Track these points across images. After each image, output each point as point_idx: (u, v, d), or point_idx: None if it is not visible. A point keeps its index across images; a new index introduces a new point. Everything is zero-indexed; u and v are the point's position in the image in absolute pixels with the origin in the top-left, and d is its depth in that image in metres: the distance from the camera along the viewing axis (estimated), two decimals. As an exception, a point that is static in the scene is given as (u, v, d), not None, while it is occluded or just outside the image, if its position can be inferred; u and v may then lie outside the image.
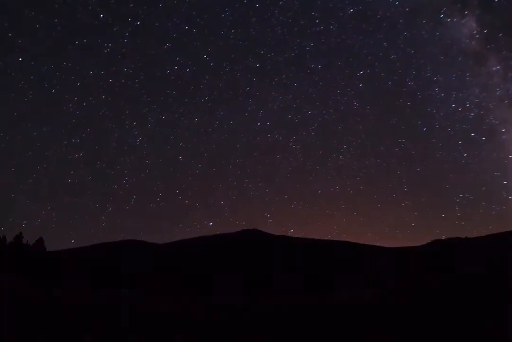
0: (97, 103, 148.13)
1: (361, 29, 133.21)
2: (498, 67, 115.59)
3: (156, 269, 66.81)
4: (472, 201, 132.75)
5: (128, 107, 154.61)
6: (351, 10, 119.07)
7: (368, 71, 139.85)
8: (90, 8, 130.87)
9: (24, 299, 23.86)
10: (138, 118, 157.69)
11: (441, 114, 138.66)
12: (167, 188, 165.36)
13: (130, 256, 77.26)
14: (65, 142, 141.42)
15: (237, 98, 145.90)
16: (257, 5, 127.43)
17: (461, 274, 36.52)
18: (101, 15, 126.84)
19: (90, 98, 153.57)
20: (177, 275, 63.16)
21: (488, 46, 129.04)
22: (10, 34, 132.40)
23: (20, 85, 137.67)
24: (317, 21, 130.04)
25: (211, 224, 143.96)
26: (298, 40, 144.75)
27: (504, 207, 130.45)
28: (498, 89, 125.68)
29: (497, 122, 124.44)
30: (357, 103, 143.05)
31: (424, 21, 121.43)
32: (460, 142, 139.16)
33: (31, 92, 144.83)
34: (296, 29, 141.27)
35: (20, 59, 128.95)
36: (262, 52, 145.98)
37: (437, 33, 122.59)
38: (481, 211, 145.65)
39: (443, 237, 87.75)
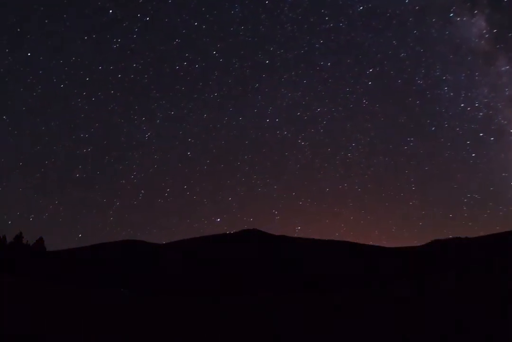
0: (106, 98, 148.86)
1: (371, 27, 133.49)
2: (507, 67, 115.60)
3: (156, 269, 66.80)
4: (480, 201, 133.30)
5: (137, 103, 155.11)
6: (361, 7, 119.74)
7: (378, 69, 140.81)
8: (99, 3, 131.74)
9: (24, 299, 23.86)
10: (147, 114, 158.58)
11: (450, 113, 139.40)
12: (175, 184, 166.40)
13: (130, 256, 77.23)
14: (73, 137, 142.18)
15: (246, 95, 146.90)
16: (266, 2, 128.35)
17: (461, 274, 36.52)
18: (110, 11, 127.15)
19: (99, 94, 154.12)
20: (177, 275, 63.16)
21: (498, 46, 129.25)
22: (18, 30, 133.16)
23: (28, 80, 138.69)
24: (326, 18, 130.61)
25: (218, 220, 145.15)
26: (308, 37, 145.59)
27: (511, 208, 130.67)
28: (507, 89, 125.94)
29: (505, 122, 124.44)
30: (366, 101, 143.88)
31: (433, 20, 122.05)
32: (468, 142, 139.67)
33: (39, 87, 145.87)
34: (305, 26, 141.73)
35: (29, 54, 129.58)
36: (271, 49, 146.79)
37: (447, 32, 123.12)
38: (488, 211, 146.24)
39: (444, 236, 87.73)
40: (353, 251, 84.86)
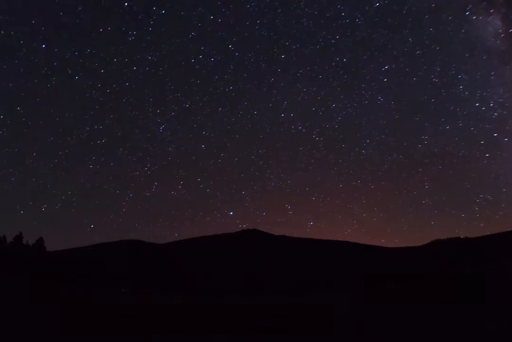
0: (121, 90, 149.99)
1: (387, 24, 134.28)
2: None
3: (156, 269, 66.82)
4: (492, 202, 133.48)
5: (152, 95, 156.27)
6: (377, 4, 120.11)
7: (393, 66, 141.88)
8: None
9: (24, 299, 23.87)
10: (162, 106, 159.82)
11: (465, 112, 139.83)
12: (189, 176, 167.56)
13: (130, 256, 77.26)
14: (88, 128, 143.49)
15: (261, 89, 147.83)
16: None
17: (460, 274, 36.53)
18: (126, 3, 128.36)
19: (114, 85, 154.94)
20: (177, 275, 63.19)
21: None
22: (33, 21, 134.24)
23: (43, 72, 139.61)
24: (343, 14, 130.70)
25: (231, 213, 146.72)
26: (324, 33, 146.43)
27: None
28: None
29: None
30: (381, 98, 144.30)
31: (449, 18, 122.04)
32: (482, 142, 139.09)
33: (54, 78, 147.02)
34: (322, 21, 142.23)
35: (43, 46, 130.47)
36: (287, 43, 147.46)
37: (463, 31, 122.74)
38: (500, 212, 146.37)
39: (446, 236, 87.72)
40: (353, 251, 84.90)
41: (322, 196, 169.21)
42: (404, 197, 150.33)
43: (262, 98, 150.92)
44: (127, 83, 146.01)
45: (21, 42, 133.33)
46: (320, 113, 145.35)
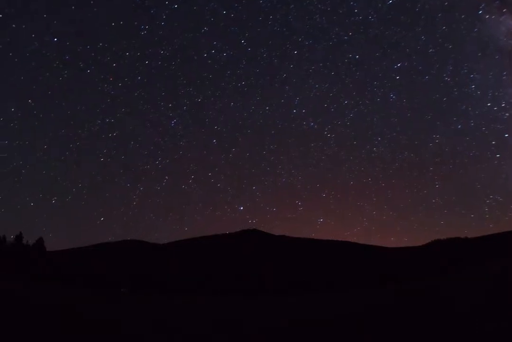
0: (133, 84, 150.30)
1: (400, 21, 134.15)
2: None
3: (156, 269, 66.82)
4: (502, 203, 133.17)
5: (164, 89, 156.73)
6: (390, 1, 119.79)
7: (406, 64, 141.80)
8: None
9: (24, 299, 23.87)
10: (174, 100, 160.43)
11: (476, 112, 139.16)
12: (200, 171, 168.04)
13: (130, 256, 77.26)
14: (99, 121, 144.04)
15: (273, 85, 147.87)
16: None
17: (460, 274, 36.53)
18: None
19: (126, 79, 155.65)
20: (177, 275, 63.18)
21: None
22: (45, 15, 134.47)
23: (55, 65, 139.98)
24: (355, 10, 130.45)
25: (241, 208, 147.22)
26: (337, 29, 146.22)
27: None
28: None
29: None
30: (393, 95, 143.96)
31: (462, 17, 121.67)
32: (493, 143, 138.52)
33: (65, 71, 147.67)
34: (334, 17, 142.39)
35: (55, 39, 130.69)
36: (300, 39, 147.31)
37: (475, 30, 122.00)
38: (510, 214, 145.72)
39: (446, 236, 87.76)
40: (353, 251, 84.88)
41: (332, 192, 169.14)
42: (414, 195, 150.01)
43: (274, 94, 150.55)
44: (139, 77, 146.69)
45: (33, 35, 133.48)
46: (332, 110, 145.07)
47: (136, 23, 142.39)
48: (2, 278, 39.93)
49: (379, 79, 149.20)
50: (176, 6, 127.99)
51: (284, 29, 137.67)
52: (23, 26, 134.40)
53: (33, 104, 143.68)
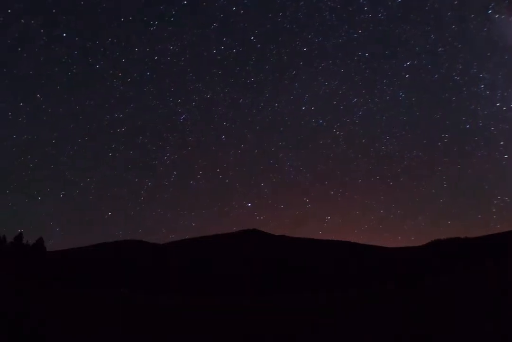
0: (142, 79, 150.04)
1: (409, 19, 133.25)
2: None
3: (156, 269, 66.80)
4: (509, 203, 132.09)
5: (173, 85, 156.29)
6: None
7: (415, 63, 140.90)
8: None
9: (24, 298, 23.86)
10: (183, 96, 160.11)
11: (485, 112, 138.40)
12: (208, 167, 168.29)
13: (130, 256, 77.22)
14: (108, 116, 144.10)
15: (283, 81, 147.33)
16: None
17: (460, 274, 36.52)
18: None
19: (135, 75, 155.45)
20: (177, 275, 63.18)
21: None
22: (54, 10, 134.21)
23: (63, 60, 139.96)
24: (365, 8, 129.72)
25: (249, 204, 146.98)
26: (346, 27, 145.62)
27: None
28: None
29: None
30: (402, 94, 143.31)
31: (472, 16, 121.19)
32: (501, 143, 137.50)
33: (74, 67, 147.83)
34: (344, 15, 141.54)
35: (64, 34, 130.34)
36: (309, 36, 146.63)
37: (485, 29, 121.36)
38: None
39: (446, 236, 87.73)
40: (353, 251, 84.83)
41: (340, 190, 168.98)
42: (423, 194, 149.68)
43: (283, 91, 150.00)
44: (148, 73, 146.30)
45: (41, 31, 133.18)
46: (341, 107, 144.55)
47: (145, 18, 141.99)
48: (2, 278, 39.92)
49: (388, 77, 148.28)
50: (185, 2, 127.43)
51: (294, 26, 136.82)
52: (32, 22, 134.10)
53: (41, 99, 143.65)
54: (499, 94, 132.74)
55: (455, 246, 69.39)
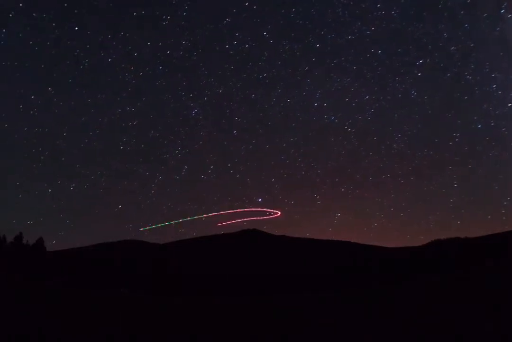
0: (154, 74, 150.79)
1: (422, 17, 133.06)
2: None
3: (156, 269, 66.83)
4: None
5: (185, 79, 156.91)
6: None
7: (428, 61, 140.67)
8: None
9: (24, 299, 23.86)
10: (195, 91, 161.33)
11: (497, 112, 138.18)
12: (219, 161, 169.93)
13: (130, 256, 77.26)
14: (119, 110, 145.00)
15: (295, 77, 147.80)
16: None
17: (460, 274, 36.51)
18: None
19: (147, 69, 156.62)
20: (177, 275, 63.19)
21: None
22: (66, 5, 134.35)
23: (75, 54, 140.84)
24: (378, 5, 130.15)
25: (259, 200, 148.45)
26: (359, 24, 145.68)
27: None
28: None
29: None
30: (414, 92, 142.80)
31: (484, 15, 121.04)
32: None
33: (86, 60, 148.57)
34: (357, 12, 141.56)
35: (76, 28, 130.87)
36: (322, 32, 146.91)
37: (497, 29, 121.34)
38: None
39: (446, 236, 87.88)
40: (352, 251, 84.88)
41: (351, 187, 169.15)
42: (433, 194, 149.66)
43: (295, 87, 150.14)
44: (160, 67, 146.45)
45: (53, 24, 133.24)
46: (353, 104, 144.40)
47: (157, 13, 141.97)
48: (2, 278, 39.91)
49: (400, 75, 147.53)
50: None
51: (307, 22, 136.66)
52: (44, 15, 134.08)
53: (53, 92, 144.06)
54: (511, 94, 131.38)
55: (455, 246, 69.40)
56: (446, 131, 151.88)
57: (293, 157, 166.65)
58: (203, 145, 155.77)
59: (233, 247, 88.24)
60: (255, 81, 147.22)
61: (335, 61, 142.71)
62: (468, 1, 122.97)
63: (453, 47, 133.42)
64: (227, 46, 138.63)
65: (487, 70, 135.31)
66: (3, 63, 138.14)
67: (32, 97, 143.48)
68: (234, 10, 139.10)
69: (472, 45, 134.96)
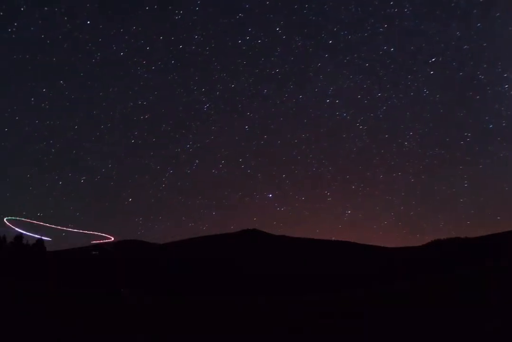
0: (166, 68, 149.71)
1: (435, 16, 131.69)
2: None
3: (156, 269, 66.78)
4: None
5: (197, 74, 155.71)
6: None
7: (440, 59, 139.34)
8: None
9: (24, 299, 23.86)
10: (207, 85, 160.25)
11: (509, 112, 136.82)
12: (231, 156, 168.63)
13: (131, 256, 77.23)
14: (131, 103, 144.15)
15: (307, 73, 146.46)
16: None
17: (460, 274, 36.50)
18: None
19: (159, 63, 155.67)
20: (177, 275, 63.16)
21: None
22: None
23: (87, 47, 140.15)
24: (391, 3, 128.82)
25: (270, 195, 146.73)
26: (372, 21, 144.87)
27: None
28: None
29: None
30: (426, 90, 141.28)
31: (497, 14, 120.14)
32: None
33: (98, 54, 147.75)
34: (370, 9, 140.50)
35: (88, 22, 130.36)
36: (335, 29, 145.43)
37: (510, 28, 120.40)
38: None
39: (446, 236, 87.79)
40: (353, 251, 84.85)
41: (362, 185, 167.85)
42: (443, 193, 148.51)
43: (308, 83, 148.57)
44: (173, 61, 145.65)
45: (65, 18, 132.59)
46: (365, 101, 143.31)
47: (170, 7, 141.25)
48: (2, 278, 39.91)
49: (413, 73, 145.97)
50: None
51: (320, 18, 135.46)
52: (55, 9, 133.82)
53: (64, 85, 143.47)
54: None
55: (455, 246, 69.36)
56: (457, 131, 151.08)
57: (304, 153, 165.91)
58: (214, 140, 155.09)
59: (233, 247, 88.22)
60: (268, 77, 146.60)
61: (347, 58, 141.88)
62: (481, 0, 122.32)
63: (465, 46, 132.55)
64: (239, 42, 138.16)
65: (499, 70, 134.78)
66: (15, 57, 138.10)
67: (44, 90, 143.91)
68: (247, 6, 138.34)
69: (484, 44, 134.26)
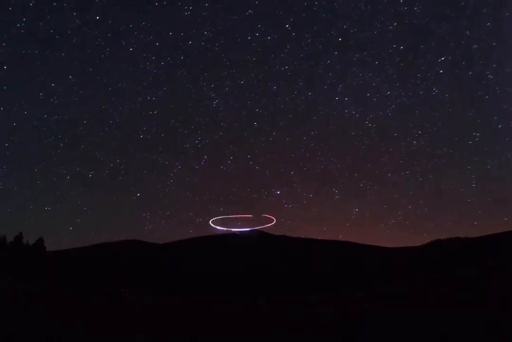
0: (175, 63, 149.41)
1: (445, 14, 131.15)
2: None
3: (156, 269, 66.81)
4: None
5: (207, 70, 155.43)
6: None
7: (450, 58, 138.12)
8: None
9: (24, 298, 23.86)
10: (216, 81, 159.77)
11: None
12: (239, 152, 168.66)
13: (130, 256, 77.21)
14: (140, 99, 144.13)
15: (317, 70, 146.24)
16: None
17: (461, 274, 36.50)
18: None
19: (169, 58, 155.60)
20: (177, 275, 63.18)
21: None
22: None
23: (96, 43, 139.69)
24: (401, 1, 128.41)
25: (278, 192, 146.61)
26: (382, 19, 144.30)
27: None
28: None
29: None
30: (436, 89, 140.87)
31: (507, 14, 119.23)
32: None
33: (107, 49, 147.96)
34: (380, 7, 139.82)
35: (97, 17, 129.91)
36: (344, 26, 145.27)
37: None
38: None
39: (446, 236, 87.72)
40: (353, 251, 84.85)
41: (370, 183, 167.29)
42: (451, 193, 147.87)
43: (317, 80, 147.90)
44: (182, 57, 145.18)
45: (74, 13, 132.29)
46: (374, 99, 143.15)
47: (179, 3, 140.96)
48: (1, 278, 39.92)
49: (422, 71, 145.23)
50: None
51: (329, 16, 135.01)
52: (64, 4, 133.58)
53: (73, 80, 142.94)
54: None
55: (455, 246, 69.38)
56: (466, 130, 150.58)
57: (313, 150, 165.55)
58: (223, 136, 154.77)
59: (233, 247, 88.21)
60: (277, 74, 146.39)
61: (357, 55, 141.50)
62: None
63: (475, 46, 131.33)
64: (249, 38, 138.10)
65: (509, 69, 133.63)
66: (24, 52, 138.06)
67: (52, 85, 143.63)
68: (257, 2, 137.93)
69: (494, 44, 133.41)
